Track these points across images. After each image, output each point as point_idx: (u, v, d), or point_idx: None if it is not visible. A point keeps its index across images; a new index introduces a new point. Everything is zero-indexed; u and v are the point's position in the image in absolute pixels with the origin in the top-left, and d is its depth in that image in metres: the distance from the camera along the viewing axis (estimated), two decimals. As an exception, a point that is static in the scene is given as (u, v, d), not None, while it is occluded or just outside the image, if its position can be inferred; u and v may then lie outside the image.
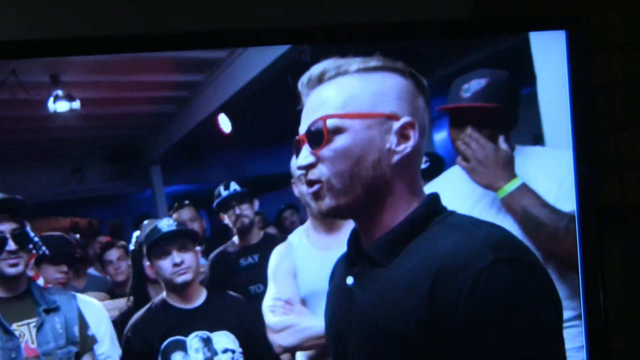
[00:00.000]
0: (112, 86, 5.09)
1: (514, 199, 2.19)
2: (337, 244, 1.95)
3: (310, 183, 1.30)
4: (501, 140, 2.08)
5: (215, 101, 5.26)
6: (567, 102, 2.22)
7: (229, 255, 3.18)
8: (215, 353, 2.15)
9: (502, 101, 2.16)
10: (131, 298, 2.88)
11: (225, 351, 2.18)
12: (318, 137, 1.26)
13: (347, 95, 1.25)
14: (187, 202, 4.04)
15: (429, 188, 2.48)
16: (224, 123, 5.29)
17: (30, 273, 2.25)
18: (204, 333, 2.15)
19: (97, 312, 2.48)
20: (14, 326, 2.09)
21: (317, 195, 1.30)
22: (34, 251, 2.26)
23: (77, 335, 2.20)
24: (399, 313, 1.16)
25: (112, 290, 3.71)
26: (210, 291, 2.35)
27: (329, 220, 2.31)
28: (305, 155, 1.31)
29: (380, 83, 1.25)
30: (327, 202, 1.28)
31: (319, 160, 1.28)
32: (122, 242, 3.58)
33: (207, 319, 2.21)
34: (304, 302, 2.50)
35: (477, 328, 1.07)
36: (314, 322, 2.31)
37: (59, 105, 4.60)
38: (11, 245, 2.11)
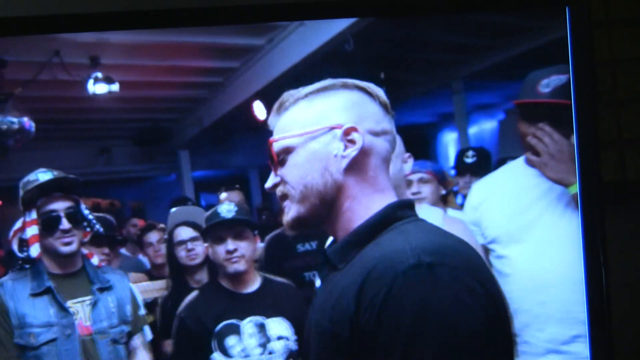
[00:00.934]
0: (149, 70, 5.12)
1: None
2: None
3: (280, 199, 1.35)
4: (573, 137, 2.07)
5: (251, 88, 5.29)
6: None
7: (285, 239, 3.13)
8: (269, 339, 2.14)
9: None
10: (170, 282, 2.90)
11: (279, 338, 2.17)
12: (272, 159, 1.31)
13: (293, 119, 1.29)
14: (237, 185, 4.02)
15: (483, 183, 2.50)
16: (259, 110, 5.32)
17: (85, 251, 2.27)
18: (259, 319, 2.14)
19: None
20: (69, 303, 2.10)
21: (284, 210, 1.35)
22: (88, 229, 2.27)
23: (129, 314, 2.21)
24: (335, 314, 1.17)
25: (150, 272, 3.74)
26: (264, 276, 2.34)
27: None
28: (271, 178, 1.36)
29: (324, 101, 1.28)
30: (290, 214, 1.32)
31: (281, 179, 1.33)
32: (162, 225, 3.60)
33: (262, 305, 2.20)
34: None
35: (389, 331, 1.07)
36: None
37: (98, 87, 4.64)
38: (65, 224, 2.11)
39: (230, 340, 2.14)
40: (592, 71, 2.12)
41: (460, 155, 3.40)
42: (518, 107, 2.36)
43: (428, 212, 2.10)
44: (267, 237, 2.33)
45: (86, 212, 2.22)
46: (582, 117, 2.04)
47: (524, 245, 2.24)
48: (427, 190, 2.72)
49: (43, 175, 2.11)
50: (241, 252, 2.19)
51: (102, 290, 2.18)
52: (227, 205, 2.23)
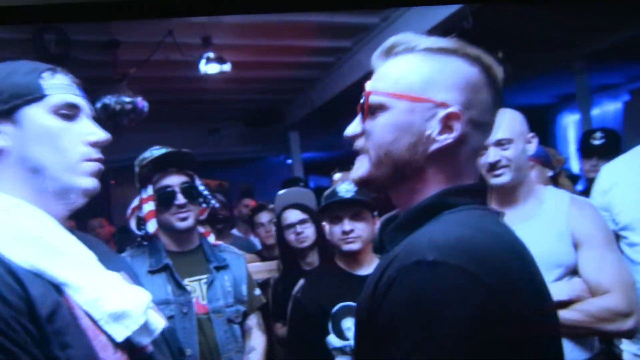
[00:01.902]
0: (260, 50, 5.13)
1: None
2: (516, 217, 1.84)
3: (356, 152, 1.23)
4: None
5: (363, 68, 5.19)
6: None
7: None
8: (385, 322, 2.06)
9: None
10: (280, 265, 2.86)
11: (395, 320, 2.08)
12: (363, 110, 1.18)
13: (401, 75, 1.14)
14: (352, 166, 3.95)
15: (613, 165, 2.33)
16: (372, 90, 5.22)
17: (201, 229, 2.24)
18: (375, 302, 2.06)
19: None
20: (186, 281, 2.08)
21: (355, 164, 1.23)
22: (204, 205, 2.24)
23: (245, 294, 2.16)
24: (360, 298, 1.10)
25: (261, 253, 3.74)
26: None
27: (502, 192, 2.17)
28: (353, 126, 1.23)
29: (440, 67, 1.12)
30: (360, 171, 1.20)
31: (365, 132, 1.20)
32: (272, 206, 3.56)
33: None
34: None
35: (383, 322, 0.98)
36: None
37: (210, 67, 4.67)
38: (180, 199, 2.08)
39: (347, 323, 2.06)
40: None
41: (587, 137, 3.23)
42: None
43: (554, 195, 1.97)
44: (381, 219, 2.21)
45: (201, 187, 2.19)
46: None
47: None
48: (532, 175, 2.58)
49: (157, 151, 2.09)
50: (358, 233, 2.11)
51: (218, 269, 2.15)
52: (347, 185, 2.14)
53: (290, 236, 2.63)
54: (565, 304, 1.80)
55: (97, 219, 5.13)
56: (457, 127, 1.09)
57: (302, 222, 2.61)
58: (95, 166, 1.18)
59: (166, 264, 2.03)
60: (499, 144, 1.84)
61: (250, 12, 2.47)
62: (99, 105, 4.39)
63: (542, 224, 1.90)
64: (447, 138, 1.09)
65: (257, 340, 2.17)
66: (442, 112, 1.10)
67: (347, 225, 2.11)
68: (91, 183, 1.17)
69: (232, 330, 2.09)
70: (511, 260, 1.08)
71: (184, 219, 2.07)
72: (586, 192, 2.77)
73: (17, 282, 1.03)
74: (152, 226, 2.06)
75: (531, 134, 1.92)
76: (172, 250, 2.09)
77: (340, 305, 2.05)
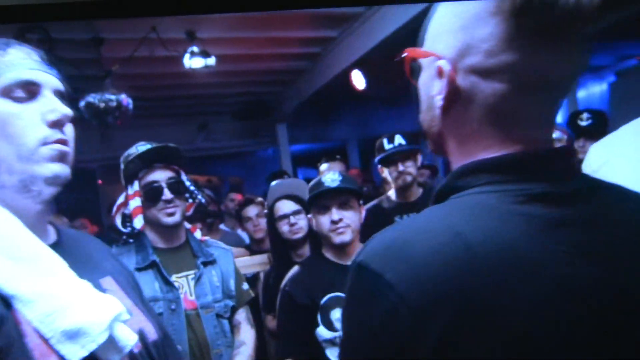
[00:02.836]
0: (246, 42, 5.08)
1: None
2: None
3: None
4: None
5: (349, 57, 5.16)
6: None
7: (383, 211, 3.02)
8: (376, 313, 2.04)
9: None
10: (271, 257, 2.82)
11: (386, 310, 2.06)
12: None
13: (429, 26, 1.02)
14: (338, 156, 3.91)
15: (602, 144, 2.31)
16: (358, 79, 5.20)
17: (188, 225, 2.21)
18: (366, 293, 2.04)
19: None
20: (174, 277, 2.06)
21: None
22: (190, 200, 2.21)
23: (233, 289, 2.14)
24: None
25: (250, 247, 3.70)
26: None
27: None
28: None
29: (442, 12, 0.92)
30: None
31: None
32: (260, 199, 3.54)
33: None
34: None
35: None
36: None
37: (194, 62, 4.63)
38: (167, 194, 2.06)
39: (336, 314, 2.04)
40: None
41: (574, 117, 3.21)
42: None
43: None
44: (364, 208, 2.19)
45: (188, 183, 2.16)
46: None
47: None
48: None
49: (143, 147, 2.07)
50: (346, 222, 2.08)
51: (206, 264, 2.13)
52: (332, 175, 2.12)
53: (284, 227, 2.60)
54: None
55: (79, 220, 4.95)
56: (444, 83, 0.90)
57: (295, 213, 2.58)
58: (57, 149, 1.03)
59: (153, 260, 2.01)
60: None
61: (238, 11, 2.44)
62: (82, 104, 4.35)
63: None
64: (440, 99, 0.91)
65: (247, 335, 2.14)
66: (434, 66, 0.92)
67: (335, 214, 2.09)
68: (56, 169, 1.02)
69: (221, 325, 2.07)
70: (455, 269, 0.85)
71: (171, 214, 2.05)
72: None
73: None
74: (139, 222, 2.04)
75: None
76: (159, 246, 2.07)
77: (329, 296, 2.03)
